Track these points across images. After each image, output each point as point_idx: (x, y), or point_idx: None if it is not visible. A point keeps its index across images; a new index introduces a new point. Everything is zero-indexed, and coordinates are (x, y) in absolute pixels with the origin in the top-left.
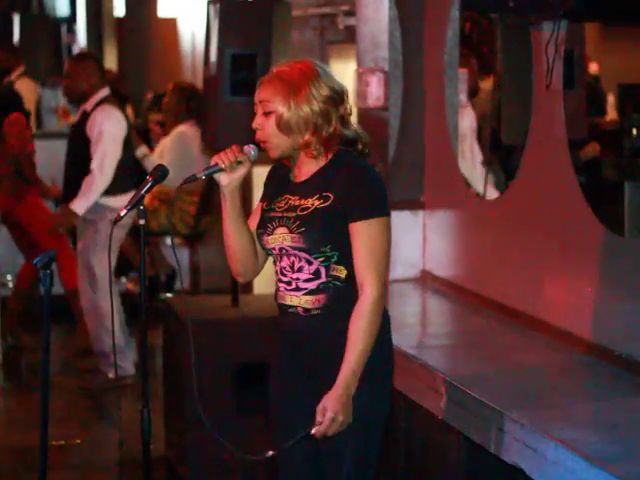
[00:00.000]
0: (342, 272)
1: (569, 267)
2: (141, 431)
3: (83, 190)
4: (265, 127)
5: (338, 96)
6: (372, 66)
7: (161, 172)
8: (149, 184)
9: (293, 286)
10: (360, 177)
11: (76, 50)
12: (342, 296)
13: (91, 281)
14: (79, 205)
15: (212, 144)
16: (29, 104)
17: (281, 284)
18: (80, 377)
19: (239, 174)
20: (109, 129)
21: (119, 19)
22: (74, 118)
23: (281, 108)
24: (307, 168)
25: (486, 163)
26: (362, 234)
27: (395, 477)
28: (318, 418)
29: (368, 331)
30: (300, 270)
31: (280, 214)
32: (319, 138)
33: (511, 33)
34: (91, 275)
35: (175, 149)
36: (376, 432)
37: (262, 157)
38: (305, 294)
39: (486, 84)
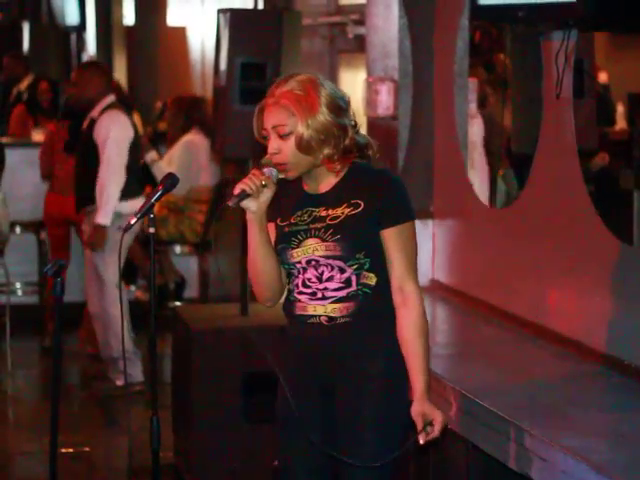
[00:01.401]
0: (372, 279)
1: (578, 276)
2: (150, 440)
3: (99, 202)
4: (283, 150)
5: (345, 104)
6: (382, 75)
7: (171, 181)
8: (159, 192)
9: (319, 295)
10: (387, 183)
11: (85, 59)
12: (370, 303)
13: (99, 287)
14: (101, 217)
15: (222, 153)
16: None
17: (302, 295)
18: (88, 384)
19: (265, 197)
20: (114, 134)
21: (128, 28)
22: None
23: (300, 128)
24: (326, 180)
25: (495, 173)
26: (397, 239)
27: None
28: (420, 426)
29: (425, 334)
30: (330, 279)
31: (306, 226)
32: (338, 150)
33: (521, 42)
34: (100, 281)
35: (182, 157)
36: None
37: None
38: (332, 302)
39: (496, 93)
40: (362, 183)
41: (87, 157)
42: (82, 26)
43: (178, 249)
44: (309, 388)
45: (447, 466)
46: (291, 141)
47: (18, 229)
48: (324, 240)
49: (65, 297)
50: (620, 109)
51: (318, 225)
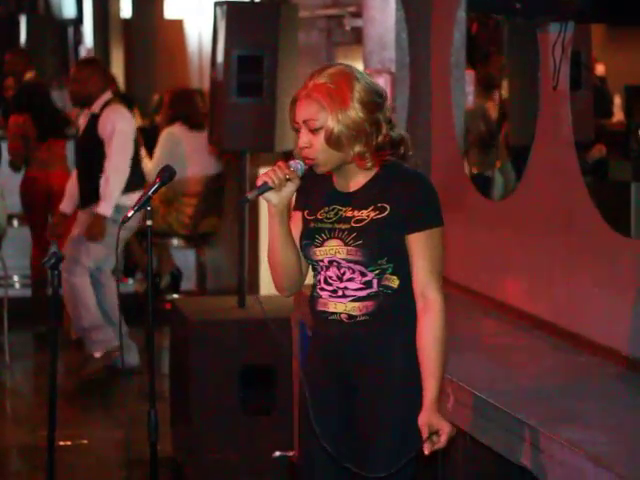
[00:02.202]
0: (394, 282)
1: (576, 268)
2: (148, 432)
3: (103, 192)
4: (313, 144)
5: (381, 99)
6: (379, 67)
7: (168, 173)
8: (156, 185)
9: (339, 294)
10: (417, 188)
11: (83, 52)
12: (392, 304)
13: (72, 265)
14: (104, 207)
15: (219, 145)
16: None
17: (323, 292)
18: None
19: (288, 191)
20: (121, 127)
21: (126, 21)
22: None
23: (330, 123)
24: (357, 179)
25: (493, 164)
26: (422, 245)
27: None
28: (426, 436)
29: (442, 341)
30: (350, 280)
31: (330, 225)
32: (370, 147)
33: (518, 34)
34: (75, 260)
35: (161, 149)
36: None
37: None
38: (352, 301)
39: (493, 85)
40: (391, 186)
41: (90, 152)
42: (79, 19)
43: (175, 242)
44: (329, 387)
45: (444, 458)
46: (321, 136)
47: (15, 222)
48: (346, 244)
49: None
50: (617, 101)
51: (342, 226)
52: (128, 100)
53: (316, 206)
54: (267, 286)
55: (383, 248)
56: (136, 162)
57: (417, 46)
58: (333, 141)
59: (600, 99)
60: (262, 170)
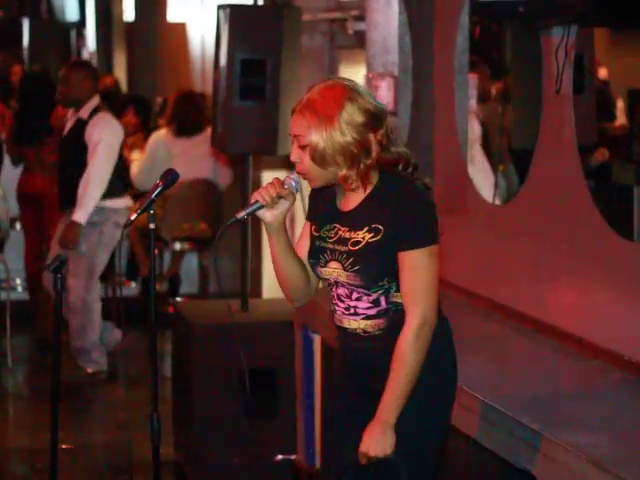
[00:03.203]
0: (401, 298)
1: (579, 272)
2: (151, 435)
3: (80, 200)
4: (303, 160)
5: (375, 119)
6: (381, 71)
7: (171, 176)
8: (159, 188)
9: (352, 311)
10: (408, 206)
11: (85, 55)
12: (402, 317)
13: (89, 281)
14: (79, 215)
15: (221, 149)
16: None
17: (338, 308)
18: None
19: (282, 209)
20: (108, 138)
21: (128, 24)
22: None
23: (314, 141)
24: (353, 197)
25: (496, 168)
26: (408, 264)
27: None
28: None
29: (409, 363)
30: (359, 299)
31: (332, 246)
32: (357, 171)
33: (521, 38)
34: (90, 274)
35: (147, 153)
36: (426, 461)
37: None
38: (364, 319)
39: (496, 89)
40: (385, 205)
41: (73, 157)
42: (82, 22)
43: (178, 245)
44: (352, 392)
45: (448, 462)
46: (308, 152)
47: (18, 225)
48: (345, 269)
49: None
50: (620, 105)
51: (341, 248)
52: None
53: (320, 222)
54: (270, 289)
55: (381, 271)
56: (122, 168)
57: (420, 50)
58: (317, 159)
59: (603, 103)
60: (265, 174)
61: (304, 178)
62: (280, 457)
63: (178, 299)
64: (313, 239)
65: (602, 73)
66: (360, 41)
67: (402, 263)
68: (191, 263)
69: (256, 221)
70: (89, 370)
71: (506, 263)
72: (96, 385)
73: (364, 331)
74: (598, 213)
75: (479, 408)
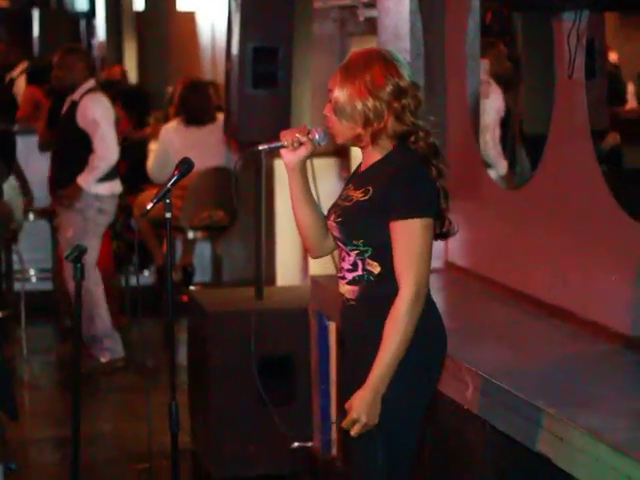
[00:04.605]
0: (376, 268)
1: (593, 256)
2: (169, 424)
3: (90, 166)
4: (331, 113)
5: (399, 91)
6: None
7: (187, 165)
8: (175, 177)
9: (341, 274)
10: (403, 175)
11: (95, 45)
12: (371, 291)
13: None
14: (85, 179)
15: (234, 137)
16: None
17: (338, 270)
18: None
19: (300, 154)
20: (102, 113)
21: (138, 13)
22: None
23: (338, 96)
24: (368, 160)
25: (509, 153)
26: (400, 234)
27: (421, 466)
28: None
29: (401, 331)
30: (344, 260)
31: (340, 202)
32: (369, 131)
33: (532, 23)
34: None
35: (158, 147)
36: (414, 422)
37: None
38: (347, 283)
39: (508, 74)
40: (384, 171)
41: (66, 139)
42: (91, 12)
43: (191, 234)
44: (344, 360)
45: (465, 447)
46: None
47: (31, 216)
48: (334, 220)
49: None
50: (630, 88)
51: (342, 203)
52: (142, 94)
53: (345, 185)
54: (283, 277)
55: (358, 229)
56: None
57: (431, 36)
58: (338, 112)
59: (614, 87)
60: (277, 161)
61: (330, 132)
62: (296, 444)
63: (192, 288)
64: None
65: (612, 57)
66: (371, 28)
67: (393, 234)
68: (204, 252)
69: (269, 210)
70: (103, 360)
71: (520, 248)
72: (112, 374)
73: (346, 299)
74: (612, 197)
75: (495, 392)
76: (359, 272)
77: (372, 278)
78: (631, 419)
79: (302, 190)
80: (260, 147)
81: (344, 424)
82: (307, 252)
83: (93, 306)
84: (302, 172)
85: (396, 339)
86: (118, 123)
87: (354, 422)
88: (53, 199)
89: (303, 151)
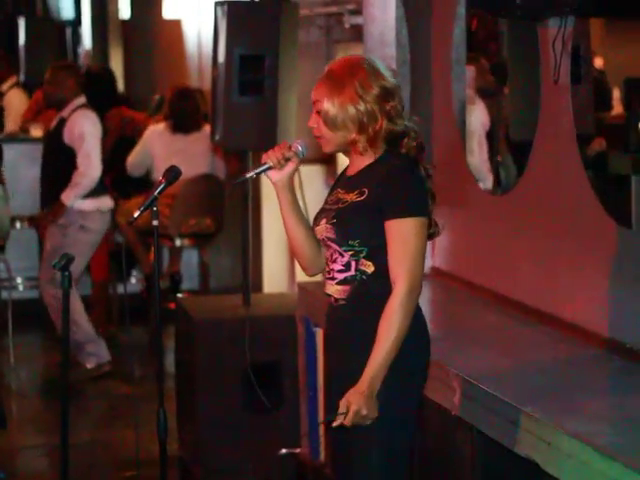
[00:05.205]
0: (369, 267)
1: (579, 261)
2: (157, 431)
3: (73, 184)
4: (318, 125)
5: (387, 93)
6: None
7: (173, 173)
8: (162, 185)
9: (331, 275)
10: (398, 176)
11: (82, 53)
12: (364, 290)
13: (55, 279)
14: (67, 196)
15: (221, 144)
16: (17, 116)
17: (325, 273)
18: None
19: (288, 170)
20: (89, 129)
21: (124, 21)
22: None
23: (327, 107)
24: (357, 164)
25: (495, 159)
26: (395, 233)
27: (409, 473)
28: (341, 409)
29: (396, 327)
30: (335, 261)
31: (329, 207)
32: (366, 136)
33: (518, 29)
34: (54, 274)
35: (139, 146)
36: (405, 427)
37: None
38: (337, 284)
39: (493, 80)
40: (377, 172)
41: (54, 155)
42: (77, 20)
43: (178, 242)
44: (330, 360)
45: (452, 452)
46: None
47: (18, 224)
48: (327, 222)
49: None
50: (616, 94)
51: (333, 207)
52: (126, 102)
53: (331, 191)
54: (270, 284)
55: (354, 229)
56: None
57: (418, 43)
58: (329, 123)
59: (600, 92)
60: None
61: (318, 141)
62: (284, 451)
63: (180, 295)
64: (321, 207)
65: (598, 62)
66: (357, 35)
67: (389, 233)
68: (191, 259)
69: (255, 217)
70: (88, 365)
71: (506, 254)
72: (100, 379)
73: (335, 299)
74: (598, 202)
75: (482, 398)
76: (351, 272)
77: (364, 277)
78: (618, 423)
79: (292, 207)
80: (247, 175)
81: (345, 420)
82: (303, 270)
83: (70, 315)
84: (291, 189)
85: (391, 335)
86: (105, 140)
87: (354, 414)
88: (39, 214)
89: (291, 167)
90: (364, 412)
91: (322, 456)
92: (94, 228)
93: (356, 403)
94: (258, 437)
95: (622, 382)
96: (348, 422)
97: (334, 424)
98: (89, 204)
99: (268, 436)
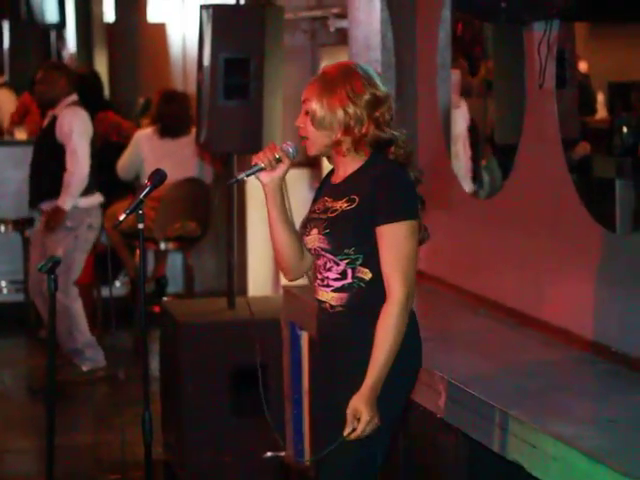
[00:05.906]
0: (367, 274)
1: (564, 264)
2: (142, 434)
3: (65, 186)
4: (305, 124)
5: (377, 100)
6: None
7: (159, 176)
8: (148, 188)
9: (325, 283)
10: (387, 181)
11: (66, 56)
12: (363, 297)
13: (66, 285)
14: (64, 201)
15: (206, 148)
16: (6, 115)
17: (317, 280)
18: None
19: (279, 172)
20: (77, 127)
21: (109, 25)
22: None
23: (315, 108)
24: (343, 170)
25: (480, 163)
26: (387, 238)
27: (394, 476)
28: (349, 420)
29: (394, 332)
30: (329, 270)
31: (317, 215)
32: (351, 137)
33: (503, 33)
34: (67, 279)
35: (128, 151)
36: (385, 433)
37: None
38: (332, 291)
39: (479, 84)
40: (366, 179)
41: (45, 152)
42: (62, 24)
43: (163, 245)
44: (320, 373)
45: (437, 455)
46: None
47: (3, 228)
48: (319, 233)
49: None
50: (600, 98)
51: (322, 216)
52: (110, 105)
53: (316, 199)
54: (255, 287)
55: (349, 238)
56: (92, 166)
57: (402, 47)
58: (316, 123)
59: (584, 96)
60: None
61: (303, 144)
62: (269, 454)
63: (165, 299)
64: (308, 213)
65: (582, 67)
66: (342, 39)
67: (380, 238)
68: (176, 262)
69: (240, 220)
70: (84, 368)
71: (491, 257)
72: (92, 384)
73: (331, 306)
74: (582, 206)
75: (468, 401)
76: (348, 280)
77: (363, 285)
78: (603, 426)
79: (281, 211)
80: (239, 176)
81: (358, 431)
82: (284, 275)
83: (72, 322)
84: (281, 192)
85: (390, 340)
86: (95, 140)
87: (366, 424)
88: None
89: (282, 167)
90: (376, 420)
91: (306, 459)
92: (97, 225)
93: (367, 413)
94: (243, 440)
95: (607, 385)
96: (361, 432)
97: (352, 436)
98: (92, 200)
99: (253, 439)
